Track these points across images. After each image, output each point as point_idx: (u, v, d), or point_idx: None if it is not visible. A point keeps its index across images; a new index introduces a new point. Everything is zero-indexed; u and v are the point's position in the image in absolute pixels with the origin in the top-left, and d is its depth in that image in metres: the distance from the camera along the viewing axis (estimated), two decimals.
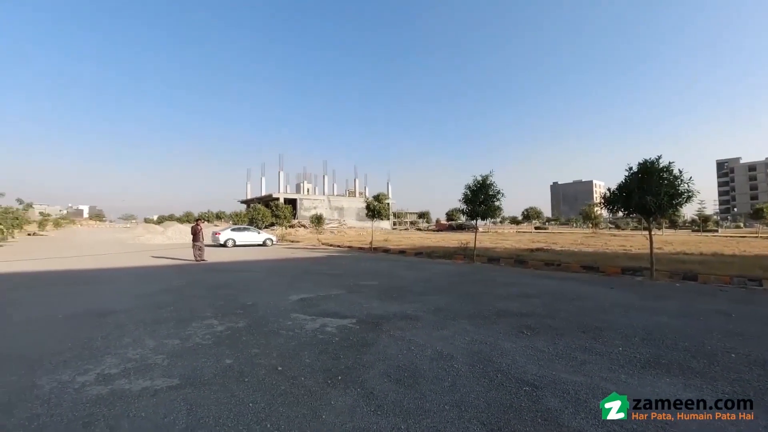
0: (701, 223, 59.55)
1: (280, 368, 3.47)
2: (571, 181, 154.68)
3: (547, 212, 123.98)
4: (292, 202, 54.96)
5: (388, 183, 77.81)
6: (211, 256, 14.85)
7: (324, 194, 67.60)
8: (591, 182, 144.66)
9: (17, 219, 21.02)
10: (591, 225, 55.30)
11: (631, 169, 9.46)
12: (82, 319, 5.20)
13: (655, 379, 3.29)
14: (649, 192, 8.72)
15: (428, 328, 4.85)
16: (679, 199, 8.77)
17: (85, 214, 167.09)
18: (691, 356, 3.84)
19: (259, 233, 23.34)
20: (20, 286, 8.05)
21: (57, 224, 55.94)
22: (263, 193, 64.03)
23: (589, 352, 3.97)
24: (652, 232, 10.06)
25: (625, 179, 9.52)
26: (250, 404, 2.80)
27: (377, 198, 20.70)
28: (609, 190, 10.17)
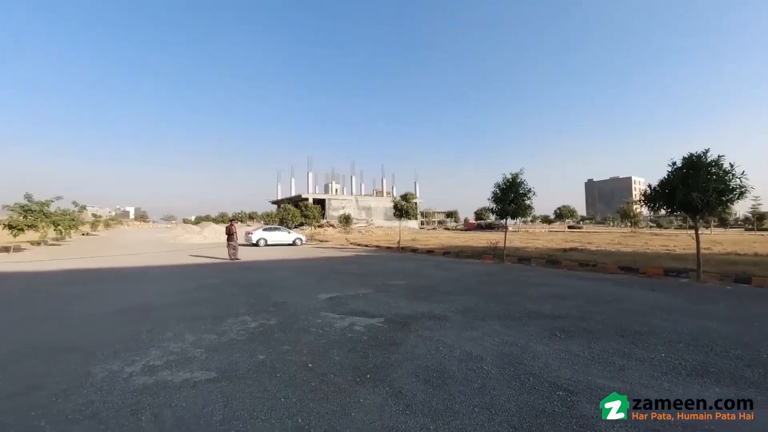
0: (755, 222, 55.14)
1: (310, 365, 3.55)
2: (607, 177, 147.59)
3: (582, 211, 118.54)
4: (320, 203, 56.03)
5: (415, 182, 77.38)
6: (244, 255, 15.41)
7: (352, 194, 68.38)
8: (630, 179, 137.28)
9: (73, 220, 22.81)
10: (630, 224, 52.48)
11: (674, 163, 8.87)
12: (130, 314, 5.58)
13: (703, 388, 3.07)
14: (695, 188, 8.12)
15: (457, 328, 4.79)
16: (730, 196, 8.11)
17: (131, 216, 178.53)
18: (745, 365, 3.56)
19: (289, 233, 23.95)
20: (76, 282, 8.73)
21: (107, 225, 60.56)
22: (293, 194, 65.67)
23: (628, 357, 3.77)
24: (699, 231, 9.39)
25: (668, 175, 8.94)
26: (282, 399, 2.89)
27: (405, 197, 20.72)
28: (650, 186, 9.60)
